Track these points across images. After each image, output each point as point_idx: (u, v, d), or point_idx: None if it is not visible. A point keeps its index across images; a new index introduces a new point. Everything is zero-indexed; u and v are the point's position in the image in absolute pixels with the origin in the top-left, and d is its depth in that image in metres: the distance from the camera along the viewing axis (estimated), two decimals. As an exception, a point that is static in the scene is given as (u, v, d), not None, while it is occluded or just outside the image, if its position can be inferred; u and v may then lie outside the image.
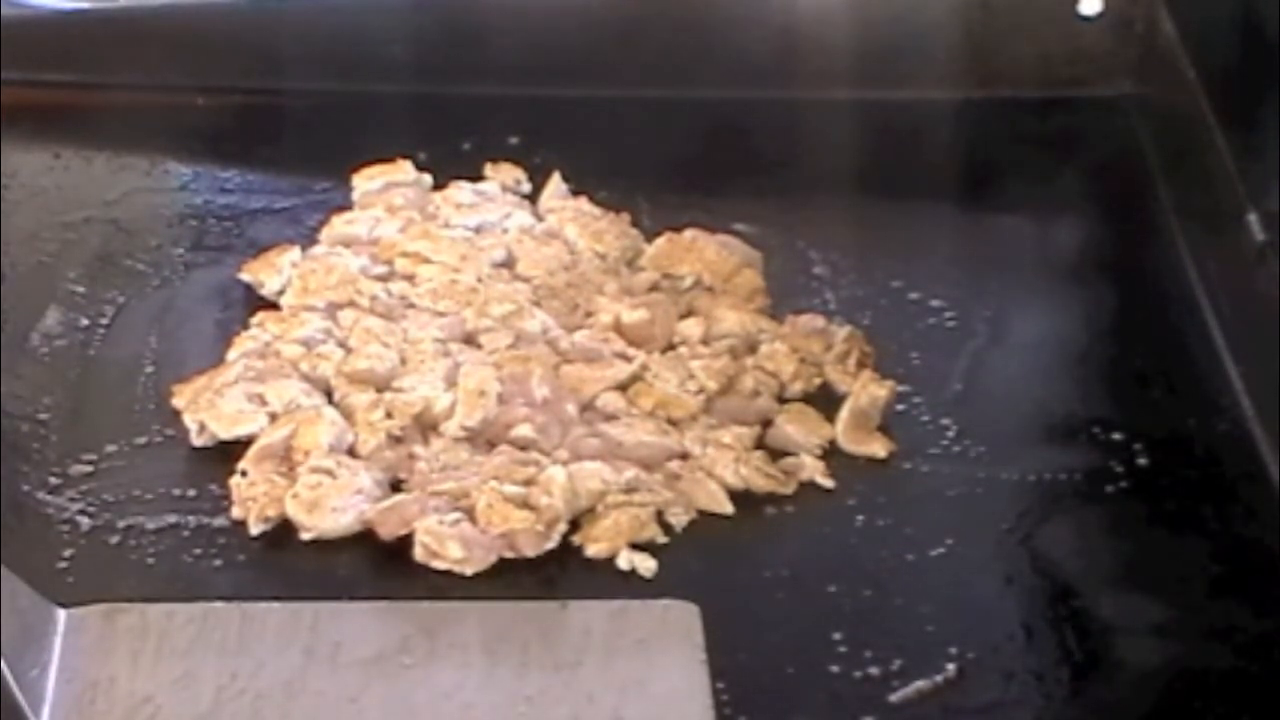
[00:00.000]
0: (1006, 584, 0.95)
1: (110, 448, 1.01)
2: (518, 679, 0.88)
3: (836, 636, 0.91)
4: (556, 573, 0.95)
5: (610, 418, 1.02)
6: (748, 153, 1.25)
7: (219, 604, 0.92)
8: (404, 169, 1.19)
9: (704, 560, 0.96)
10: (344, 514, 0.96)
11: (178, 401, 1.03)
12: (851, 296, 1.13)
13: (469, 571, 0.94)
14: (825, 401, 1.04)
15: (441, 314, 1.08)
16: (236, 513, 0.97)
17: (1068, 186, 1.24)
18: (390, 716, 0.86)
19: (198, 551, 0.95)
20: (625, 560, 0.95)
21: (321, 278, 1.09)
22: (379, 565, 0.95)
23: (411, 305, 1.09)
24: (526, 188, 1.19)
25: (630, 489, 0.97)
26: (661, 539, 0.96)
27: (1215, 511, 0.99)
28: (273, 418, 1.01)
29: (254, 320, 1.07)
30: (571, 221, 1.15)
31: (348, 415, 1.01)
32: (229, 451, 1.00)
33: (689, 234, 1.14)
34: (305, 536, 0.96)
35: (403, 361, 1.04)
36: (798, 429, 1.02)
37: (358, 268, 1.10)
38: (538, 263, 1.12)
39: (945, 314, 1.12)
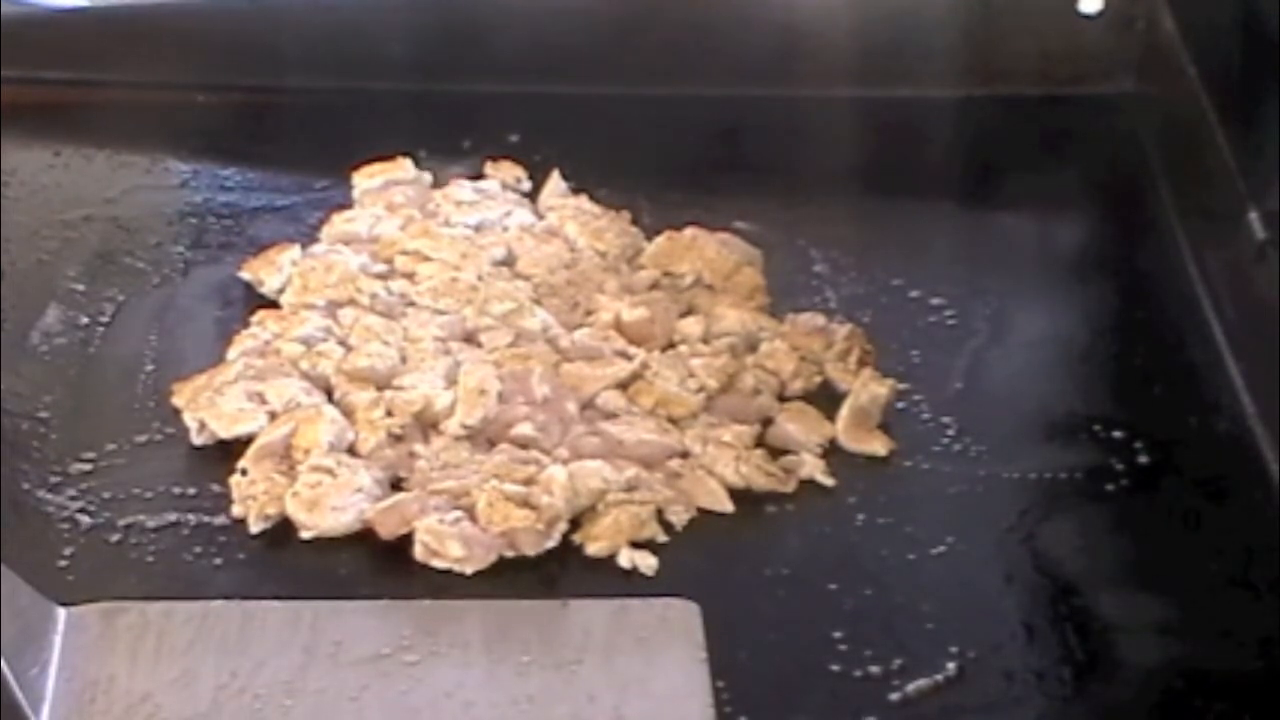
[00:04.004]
0: (1007, 583, 0.95)
1: (110, 446, 1.01)
2: (518, 678, 0.88)
3: (837, 635, 0.91)
4: (557, 571, 0.95)
5: (611, 416, 1.02)
6: (748, 151, 1.25)
7: (219, 602, 0.92)
8: (404, 167, 1.19)
9: (704, 559, 0.96)
10: (344, 513, 0.96)
11: (178, 400, 1.03)
12: (852, 294, 1.13)
13: (469, 570, 0.94)
14: (826, 400, 1.04)
15: (442, 312, 1.08)
16: (236, 511, 0.97)
17: (1068, 184, 1.24)
18: (391, 715, 0.86)
19: (198, 550, 0.95)
20: (626, 558, 0.95)
21: (321, 276, 1.09)
22: (379, 564, 0.95)
23: (412, 303, 1.09)
24: (527, 186, 1.19)
25: (631, 487, 0.97)
26: (662, 538, 0.96)
27: (1215, 511, 0.99)
28: (273, 416, 1.01)
29: (254, 318, 1.07)
30: (572, 219, 1.15)
31: (348, 414, 1.01)
32: (229, 450, 1.00)
33: (689, 232, 1.14)
34: (305, 535, 0.96)
35: (403, 360, 1.04)
36: (798, 427, 1.02)
37: (358, 266, 1.10)
38: (538, 261, 1.12)
39: (946, 312, 1.12)
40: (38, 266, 1.14)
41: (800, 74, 1.28)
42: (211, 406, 1.01)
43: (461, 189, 1.17)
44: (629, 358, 1.05)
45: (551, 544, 0.95)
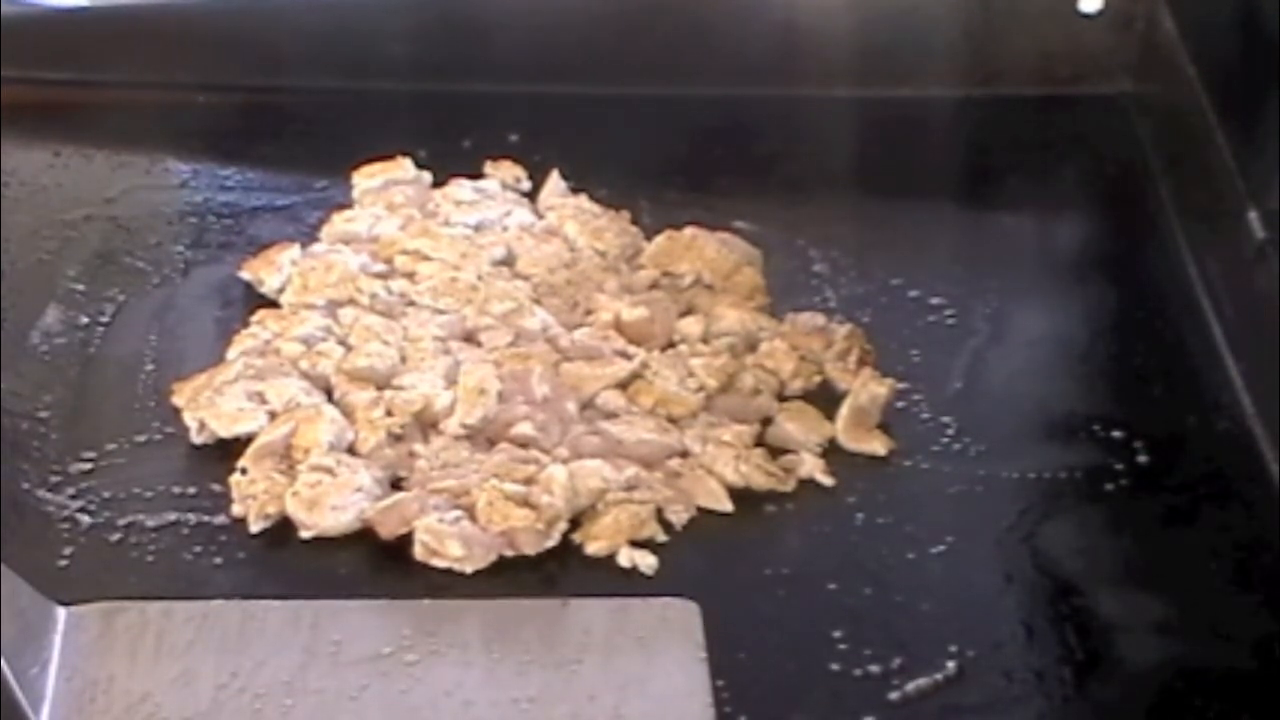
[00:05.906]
0: (1007, 582, 0.95)
1: (110, 446, 1.01)
2: (518, 677, 0.88)
3: (837, 634, 0.91)
4: (557, 571, 0.95)
5: (610, 416, 1.02)
6: (747, 150, 1.25)
7: (219, 602, 0.92)
8: (404, 166, 1.19)
9: (704, 558, 0.96)
10: (344, 512, 0.96)
11: (178, 399, 1.03)
12: (851, 294, 1.13)
13: (469, 570, 0.94)
14: (825, 399, 1.04)
15: (442, 312, 1.08)
16: (236, 511, 0.97)
17: (1068, 184, 1.24)
18: (390, 715, 0.86)
19: (197, 549, 0.95)
20: (626, 558, 0.95)
21: (321, 275, 1.09)
22: (379, 563, 0.95)
23: (412, 303, 1.09)
24: (526, 185, 1.19)
25: (630, 487, 0.97)
26: (661, 537, 0.96)
27: (1215, 510, 0.99)
28: (273, 416, 1.01)
29: (254, 318, 1.07)
30: (571, 219, 1.15)
31: (348, 413, 1.01)
32: (229, 449, 1.00)
33: (689, 232, 1.14)
34: (305, 535, 0.96)
35: (403, 359, 1.04)
36: (798, 427, 1.02)
37: (358, 265, 1.10)
38: (538, 260, 1.12)
39: (945, 312, 1.12)
40: (38, 266, 1.14)
41: (800, 74, 1.28)
42: (211, 406, 1.01)
43: (461, 189, 1.17)
44: (629, 357, 1.05)
45: (551, 543, 0.95)
